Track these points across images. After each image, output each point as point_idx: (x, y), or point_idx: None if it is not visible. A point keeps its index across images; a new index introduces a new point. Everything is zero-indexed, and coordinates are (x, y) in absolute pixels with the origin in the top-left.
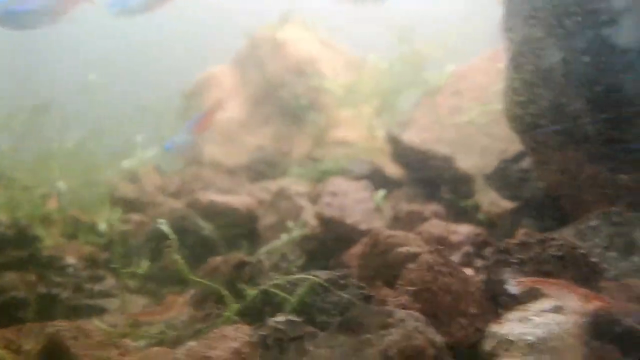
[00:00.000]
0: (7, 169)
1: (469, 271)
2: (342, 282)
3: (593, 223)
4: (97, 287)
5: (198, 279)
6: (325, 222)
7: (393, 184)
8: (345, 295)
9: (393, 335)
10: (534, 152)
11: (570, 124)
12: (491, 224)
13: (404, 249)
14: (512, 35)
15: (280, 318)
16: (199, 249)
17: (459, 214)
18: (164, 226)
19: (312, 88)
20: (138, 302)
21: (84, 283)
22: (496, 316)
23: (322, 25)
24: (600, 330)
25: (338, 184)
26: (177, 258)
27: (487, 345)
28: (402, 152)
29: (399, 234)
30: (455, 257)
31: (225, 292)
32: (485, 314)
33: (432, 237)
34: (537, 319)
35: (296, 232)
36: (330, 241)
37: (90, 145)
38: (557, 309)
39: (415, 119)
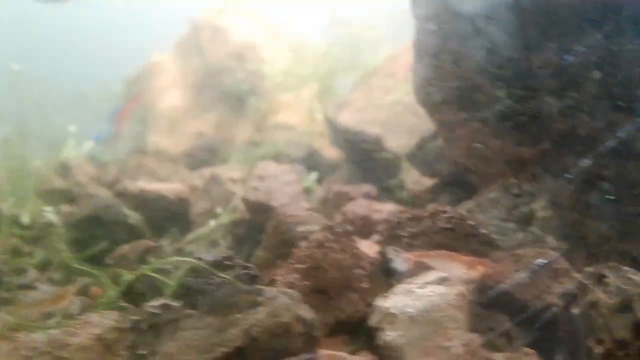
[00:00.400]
0: None
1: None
2: (227, 263)
3: (493, 195)
4: (17, 280)
5: (81, 267)
6: (251, 206)
7: (331, 167)
8: (224, 276)
9: (259, 314)
10: (442, 128)
11: (474, 99)
12: (414, 202)
13: (303, 228)
14: (417, 12)
15: (156, 302)
16: (125, 238)
17: (389, 193)
18: (50, 214)
19: (252, 73)
20: (57, 294)
21: (3, 276)
22: (387, 290)
23: (263, 9)
24: (484, 296)
25: (266, 167)
26: (60, 247)
27: (373, 320)
28: (338, 135)
29: (302, 213)
30: (377, 236)
31: (105, 279)
32: (377, 289)
33: (355, 217)
34: (420, 291)
35: (224, 218)
36: (258, 225)
37: (20, 137)
38: (441, 280)
39: (350, 101)
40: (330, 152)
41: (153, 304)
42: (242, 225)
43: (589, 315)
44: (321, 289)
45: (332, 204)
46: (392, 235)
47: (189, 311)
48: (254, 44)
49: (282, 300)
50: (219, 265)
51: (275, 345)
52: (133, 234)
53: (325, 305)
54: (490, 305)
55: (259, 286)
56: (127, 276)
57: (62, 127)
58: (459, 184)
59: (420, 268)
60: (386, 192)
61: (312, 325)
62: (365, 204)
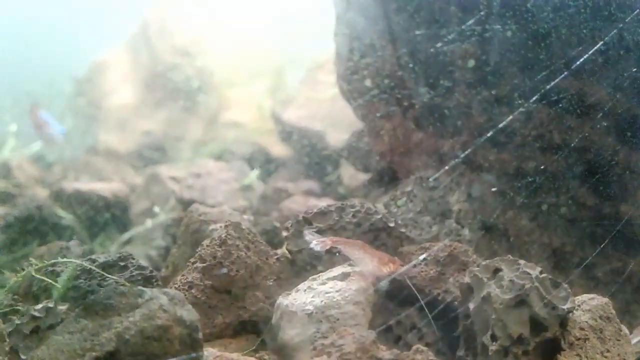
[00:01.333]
0: None
1: None
2: (121, 264)
3: (408, 189)
4: None
5: None
6: (186, 204)
7: (276, 163)
8: (112, 277)
9: (134, 317)
10: (365, 121)
11: (396, 92)
12: (350, 196)
13: (215, 226)
14: (337, 6)
15: (39, 305)
16: (57, 239)
17: (330, 189)
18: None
19: (201, 70)
20: None
21: None
22: (293, 287)
23: (210, 3)
24: (388, 292)
25: (202, 165)
26: None
27: (274, 318)
28: (283, 131)
29: (213, 211)
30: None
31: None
32: (283, 287)
33: (291, 213)
34: (320, 288)
35: (162, 217)
36: None
37: None
38: (343, 276)
39: (295, 97)
40: (278, 149)
41: (37, 307)
42: (179, 224)
43: (484, 310)
44: (224, 288)
45: (271, 200)
46: (299, 230)
47: (68, 314)
48: (201, 39)
49: (160, 301)
50: (112, 266)
51: (151, 348)
52: (65, 235)
53: (227, 304)
54: (395, 300)
55: (140, 287)
56: (16, 278)
57: (3, 126)
58: (389, 179)
59: (334, 257)
60: (327, 188)
61: (194, 327)
62: (301, 201)
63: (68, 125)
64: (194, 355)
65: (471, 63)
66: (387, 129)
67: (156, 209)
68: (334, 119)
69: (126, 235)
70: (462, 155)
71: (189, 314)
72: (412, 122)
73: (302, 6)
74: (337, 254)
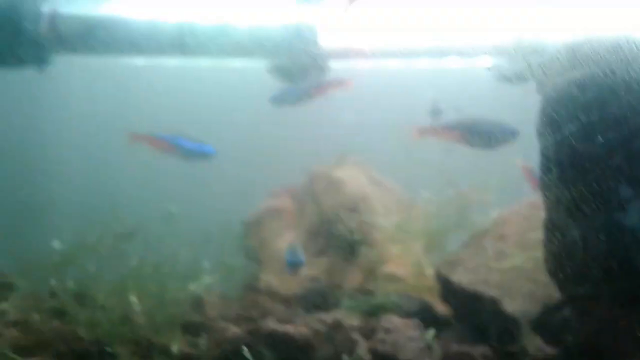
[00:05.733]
0: (91, 289)
1: None
2: None
3: None
4: None
5: None
6: (379, 358)
7: (442, 323)
8: None
9: None
10: (573, 302)
11: (604, 280)
12: None
13: None
14: (547, 194)
15: None
16: None
17: (506, 357)
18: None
19: (364, 224)
20: None
21: None
22: None
23: (374, 164)
24: None
25: (391, 320)
26: None
27: None
28: (450, 292)
29: None
30: None
31: None
32: None
33: None
34: None
35: None
36: None
37: (164, 269)
38: None
39: (463, 260)
40: (441, 307)
41: None
42: None
43: None
44: None
45: None
46: None
47: None
48: (366, 197)
49: None
50: None
51: None
52: None
53: None
54: None
55: None
56: None
57: (193, 260)
58: (584, 357)
59: None
60: (506, 356)
61: None
62: None
63: (238, 264)
64: None
65: None
66: (595, 311)
67: (345, 357)
68: (508, 288)
69: None
70: None
71: None
72: (620, 307)
73: (467, 174)
74: None
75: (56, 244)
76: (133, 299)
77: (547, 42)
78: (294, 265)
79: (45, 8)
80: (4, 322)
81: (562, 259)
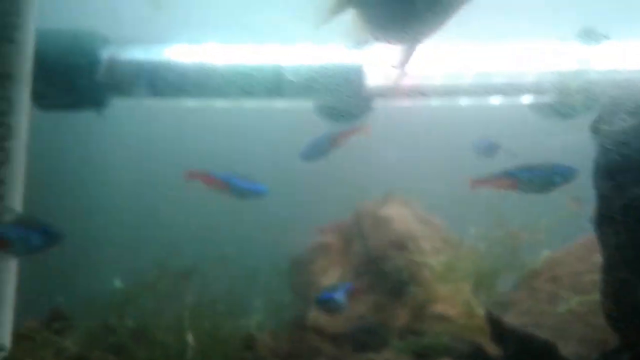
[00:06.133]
0: (149, 327)
1: None
2: None
3: None
4: None
5: None
6: None
7: None
8: None
9: None
10: (632, 349)
11: None
12: None
13: None
14: (604, 240)
15: None
16: None
17: None
18: None
19: (412, 262)
20: None
21: None
22: None
23: (421, 203)
24: None
25: None
26: None
27: None
28: (502, 334)
29: None
30: None
31: None
32: None
33: None
34: None
35: None
36: None
37: (218, 307)
38: None
39: (514, 302)
40: (492, 349)
41: None
42: None
43: None
44: None
45: None
46: None
47: None
48: (413, 235)
49: None
50: None
51: None
52: None
53: None
54: None
55: None
56: None
57: (244, 297)
58: None
59: None
60: None
61: None
62: None
63: (286, 301)
64: None
65: None
66: None
67: None
68: (561, 331)
69: None
70: None
71: None
72: None
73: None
74: None
75: (117, 283)
76: (189, 336)
77: (593, 78)
78: (320, 304)
79: (104, 54)
80: (64, 358)
81: (620, 304)
